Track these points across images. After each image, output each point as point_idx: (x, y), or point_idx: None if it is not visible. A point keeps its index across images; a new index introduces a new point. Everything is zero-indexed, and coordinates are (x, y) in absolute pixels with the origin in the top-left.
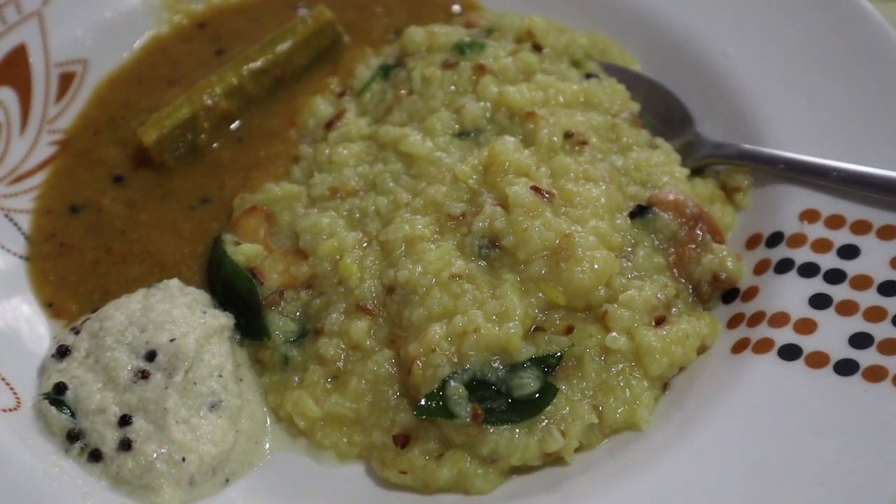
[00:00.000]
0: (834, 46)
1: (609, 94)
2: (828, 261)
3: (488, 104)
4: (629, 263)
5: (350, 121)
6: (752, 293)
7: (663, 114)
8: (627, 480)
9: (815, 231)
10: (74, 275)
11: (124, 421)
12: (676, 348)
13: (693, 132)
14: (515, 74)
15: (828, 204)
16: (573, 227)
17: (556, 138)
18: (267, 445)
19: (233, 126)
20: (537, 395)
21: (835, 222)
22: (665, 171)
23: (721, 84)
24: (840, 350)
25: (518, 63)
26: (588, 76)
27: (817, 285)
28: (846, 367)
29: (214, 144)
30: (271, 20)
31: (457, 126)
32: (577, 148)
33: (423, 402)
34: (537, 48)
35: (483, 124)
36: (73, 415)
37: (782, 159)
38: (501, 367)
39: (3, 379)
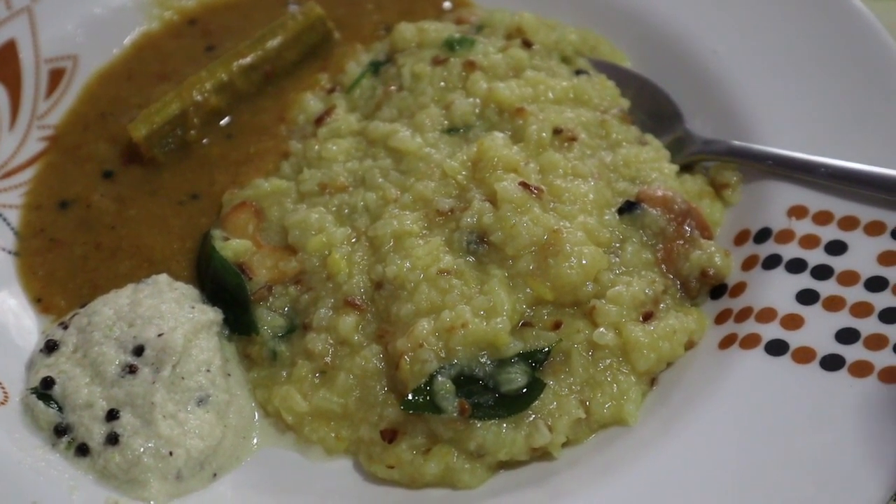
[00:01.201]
0: (824, 43)
1: (599, 90)
2: (815, 257)
3: (478, 100)
4: (617, 259)
5: (340, 117)
6: (739, 289)
7: (653, 110)
8: (614, 475)
9: (803, 227)
10: (63, 270)
11: (111, 415)
12: (664, 344)
13: (683, 129)
14: (505, 71)
15: (816, 200)
16: (561, 223)
17: (545, 134)
18: (255, 440)
19: (222, 122)
20: (525, 390)
21: (823, 218)
22: (654, 168)
23: (711, 81)
24: (826, 345)
25: (508, 59)
26: (578, 73)
27: (804, 281)
28: (832, 363)
29: (204, 140)
30: (262, 16)
31: (446, 122)
32: (566, 144)
33: (410, 397)
34: (527, 44)
35: (472, 120)
36: (60, 409)
37: (771, 156)
38: (489, 362)
39: None
